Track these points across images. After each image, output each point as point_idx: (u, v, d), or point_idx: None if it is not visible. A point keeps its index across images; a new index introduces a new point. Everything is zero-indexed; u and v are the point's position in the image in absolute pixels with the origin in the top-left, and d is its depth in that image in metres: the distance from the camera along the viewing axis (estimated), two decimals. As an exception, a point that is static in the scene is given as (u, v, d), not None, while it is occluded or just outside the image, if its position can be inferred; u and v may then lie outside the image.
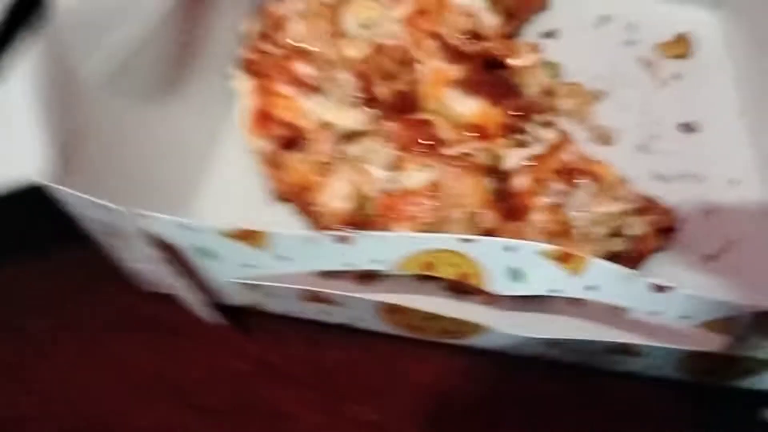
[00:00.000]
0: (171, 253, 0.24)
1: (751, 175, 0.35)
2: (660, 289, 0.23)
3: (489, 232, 0.28)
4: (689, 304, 0.23)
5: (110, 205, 0.22)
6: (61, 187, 0.22)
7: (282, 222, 0.31)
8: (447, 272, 0.24)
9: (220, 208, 0.32)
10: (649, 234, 0.30)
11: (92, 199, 0.22)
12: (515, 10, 0.38)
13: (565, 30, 0.41)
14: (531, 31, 0.40)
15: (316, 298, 0.25)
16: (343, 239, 0.22)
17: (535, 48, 0.37)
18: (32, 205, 0.23)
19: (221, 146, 0.34)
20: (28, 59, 0.24)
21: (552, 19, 0.41)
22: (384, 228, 0.28)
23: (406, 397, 0.28)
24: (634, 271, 0.23)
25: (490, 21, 0.36)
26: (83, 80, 0.27)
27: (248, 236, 0.22)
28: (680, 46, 0.40)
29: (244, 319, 0.29)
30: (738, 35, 0.40)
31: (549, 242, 0.26)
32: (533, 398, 0.28)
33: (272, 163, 0.31)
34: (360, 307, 0.26)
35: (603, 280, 0.23)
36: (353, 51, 0.33)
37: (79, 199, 0.22)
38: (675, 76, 0.39)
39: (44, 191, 0.23)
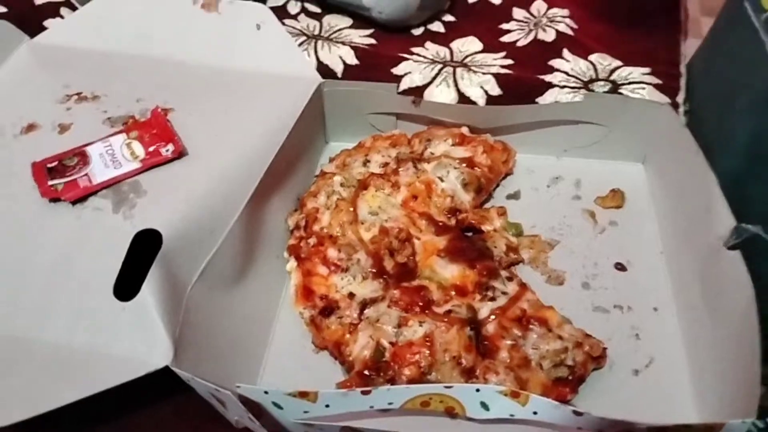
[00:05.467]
0: (254, 406, 0.36)
1: (669, 303, 0.46)
2: (578, 414, 0.34)
3: (470, 369, 0.40)
4: (600, 422, 0.35)
5: (217, 387, 0.34)
6: (182, 372, 0.35)
7: (324, 366, 0.43)
8: (438, 407, 0.36)
9: (282, 358, 0.44)
10: (585, 360, 0.41)
11: (204, 382, 0.34)
12: (485, 185, 0.51)
13: (525, 191, 0.53)
14: (499, 194, 0.53)
15: (350, 429, 0.37)
16: (365, 393, 0.35)
17: (502, 212, 0.50)
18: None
19: (281, 311, 0.46)
20: (151, 276, 0.38)
21: (515, 182, 0.54)
22: (395, 371, 0.40)
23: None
24: (558, 403, 0.34)
25: (466, 198, 0.49)
26: (184, 283, 0.40)
27: (304, 395, 0.35)
28: (615, 199, 0.52)
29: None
30: (659, 185, 0.52)
31: (513, 373, 0.38)
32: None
33: (314, 324, 0.43)
34: (380, 433, 0.37)
35: (540, 408, 0.35)
36: (367, 234, 0.46)
37: (194, 381, 0.35)
38: (611, 223, 0.51)
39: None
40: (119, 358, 0.36)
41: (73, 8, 0.65)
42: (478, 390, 0.35)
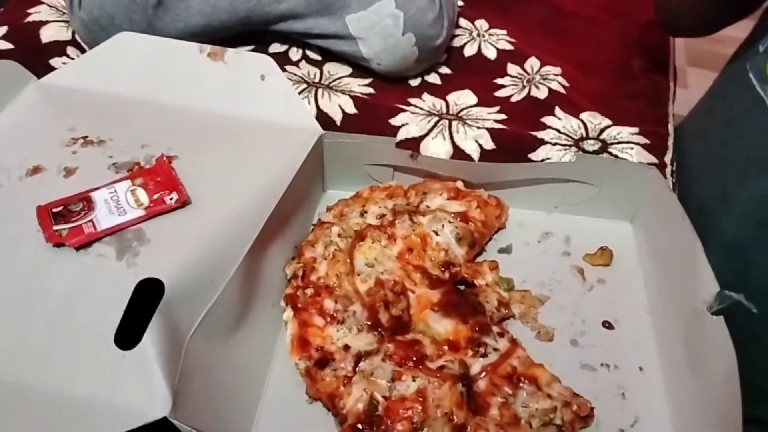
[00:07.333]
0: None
1: (655, 363, 0.47)
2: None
3: (461, 426, 0.41)
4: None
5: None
6: (180, 423, 0.36)
7: (318, 417, 0.44)
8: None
9: (276, 408, 0.44)
10: (573, 420, 0.42)
11: (203, 432, 0.35)
12: (478, 240, 0.52)
13: (516, 245, 0.55)
14: (491, 248, 0.55)
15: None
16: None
17: (494, 266, 0.52)
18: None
19: (275, 361, 0.47)
20: (153, 325, 0.38)
21: (506, 236, 0.56)
22: (388, 425, 0.41)
23: None
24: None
25: (459, 252, 0.51)
26: (183, 334, 0.40)
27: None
28: (603, 257, 0.54)
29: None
30: (646, 245, 0.54)
31: (503, 431, 0.39)
32: None
33: (309, 375, 0.44)
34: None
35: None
36: (363, 285, 0.48)
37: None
38: (600, 281, 0.53)
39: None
40: (118, 408, 0.37)
41: (81, 48, 0.66)
42: (468, 449, 0.36)
